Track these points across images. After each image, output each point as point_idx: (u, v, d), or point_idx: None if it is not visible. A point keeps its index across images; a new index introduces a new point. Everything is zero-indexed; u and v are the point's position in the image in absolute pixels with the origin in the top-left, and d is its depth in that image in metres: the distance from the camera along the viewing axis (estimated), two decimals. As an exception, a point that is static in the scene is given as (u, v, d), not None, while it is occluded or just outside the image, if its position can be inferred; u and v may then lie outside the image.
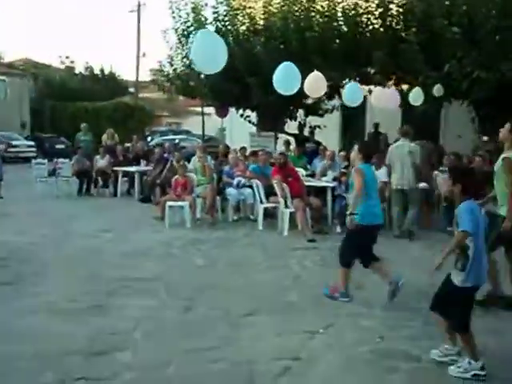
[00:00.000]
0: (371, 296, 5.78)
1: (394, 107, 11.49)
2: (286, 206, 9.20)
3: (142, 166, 13.84)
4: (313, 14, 13.06)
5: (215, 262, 7.40)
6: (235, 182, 10.41)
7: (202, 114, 22.53)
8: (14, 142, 26.54)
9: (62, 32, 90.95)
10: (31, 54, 79.77)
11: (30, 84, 38.08)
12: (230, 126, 20.16)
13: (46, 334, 4.70)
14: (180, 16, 14.16)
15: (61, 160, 14.79)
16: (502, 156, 5.36)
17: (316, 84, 10.53)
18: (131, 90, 44.38)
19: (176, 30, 14.41)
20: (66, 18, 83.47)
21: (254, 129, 15.98)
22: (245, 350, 4.46)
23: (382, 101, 11.36)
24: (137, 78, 33.06)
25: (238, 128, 17.92)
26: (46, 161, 14.86)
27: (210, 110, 26.15)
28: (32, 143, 27.11)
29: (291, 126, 15.68)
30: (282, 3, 13.20)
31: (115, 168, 14.01)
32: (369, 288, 6.02)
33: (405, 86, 12.86)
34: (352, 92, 11.25)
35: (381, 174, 9.68)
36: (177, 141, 19.91)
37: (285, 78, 9.75)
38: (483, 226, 4.03)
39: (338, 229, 9.13)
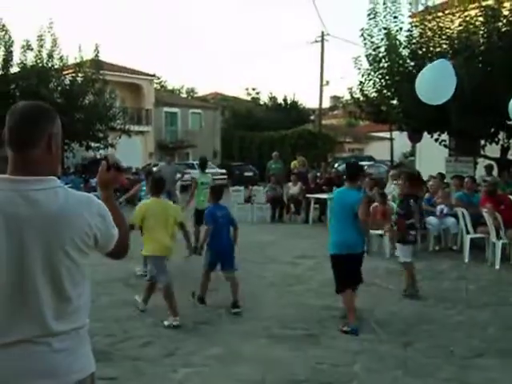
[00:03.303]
0: None
1: None
2: (499, 237, 8.45)
3: (334, 193, 13.87)
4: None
5: (425, 295, 7.00)
6: (437, 210, 9.88)
7: (391, 139, 22.25)
8: (209, 171, 28.56)
9: (247, 65, 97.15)
10: (220, 88, 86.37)
11: (220, 115, 40.98)
12: (418, 150, 19.40)
13: (270, 360, 4.78)
14: (372, 42, 14.07)
15: (255, 188, 15.51)
16: None
17: None
18: (312, 117, 45.46)
19: (367, 56, 14.34)
20: (251, 52, 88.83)
21: (446, 153, 15.19)
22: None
23: None
24: (320, 106, 33.61)
25: (428, 153, 17.18)
26: (242, 188, 15.65)
27: (394, 135, 25.58)
28: (224, 171, 28.93)
29: (490, 150, 14.58)
30: (483, 20, 12.42)
31: (308, 195, 14.23)
32: None
33: None
34: None
35: None
36: (365, 167, 19.71)
37: None
38: None
39: None
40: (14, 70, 19.83)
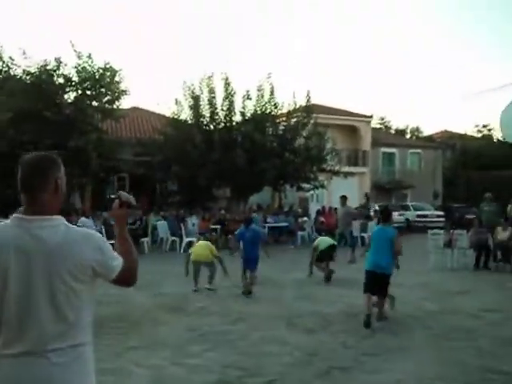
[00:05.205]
0: None
1: None
2: None
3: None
4: None
5: None
6: None
7: None
8: (424, 212, 27.59)
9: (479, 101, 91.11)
10: (449, 126, 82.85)
11: (445, 155, 39.12)
12: None
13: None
14: None
15: (457, 231, 14.46)
16: None
17: None
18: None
19: None
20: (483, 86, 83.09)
21: None
22: None
23: None
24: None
25: None
26: (441, 231, 14.74)
27: None
28: (441, 213, 27.48)
29: None
30: None
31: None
32: None
33: None
34: None
35: None
36: None
37: None
38: None
39: None
40: (237, 118, 21.82)
